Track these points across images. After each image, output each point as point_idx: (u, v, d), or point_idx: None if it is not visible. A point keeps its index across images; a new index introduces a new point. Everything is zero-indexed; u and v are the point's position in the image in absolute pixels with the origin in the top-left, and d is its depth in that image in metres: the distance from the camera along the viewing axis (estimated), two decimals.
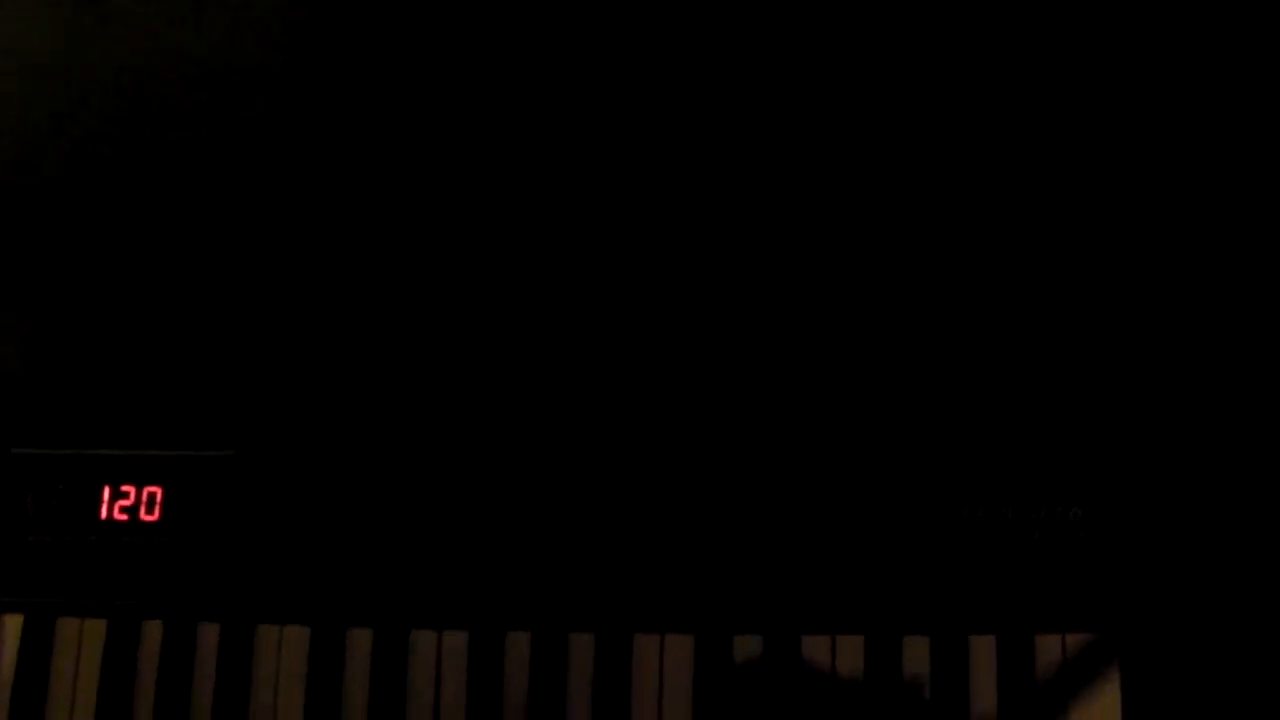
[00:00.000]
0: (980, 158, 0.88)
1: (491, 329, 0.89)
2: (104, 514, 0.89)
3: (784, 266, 0.89)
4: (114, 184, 0.91)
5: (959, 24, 0.87)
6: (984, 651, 0.85)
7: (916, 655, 0.85)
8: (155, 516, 0.88)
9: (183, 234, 0.91)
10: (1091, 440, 0.85)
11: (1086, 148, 0.88)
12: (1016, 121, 0.88)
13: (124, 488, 0.89)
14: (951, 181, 0.88)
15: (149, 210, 0.91)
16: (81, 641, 0.89)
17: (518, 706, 0.86)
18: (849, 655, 0.85)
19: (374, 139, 0.91)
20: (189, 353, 0.90)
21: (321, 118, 0.90)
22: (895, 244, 0.88)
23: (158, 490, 0.89)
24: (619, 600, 0.86)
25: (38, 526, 0.89)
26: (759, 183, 0.89)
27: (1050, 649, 0.85)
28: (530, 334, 0.89)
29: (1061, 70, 0.87)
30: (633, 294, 0.89)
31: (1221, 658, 0.83)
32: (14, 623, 0.90)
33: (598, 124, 0.89)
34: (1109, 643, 0.84)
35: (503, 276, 0.90)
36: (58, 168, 0.90)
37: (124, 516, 0.89)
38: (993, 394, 0.86)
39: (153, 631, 0.89)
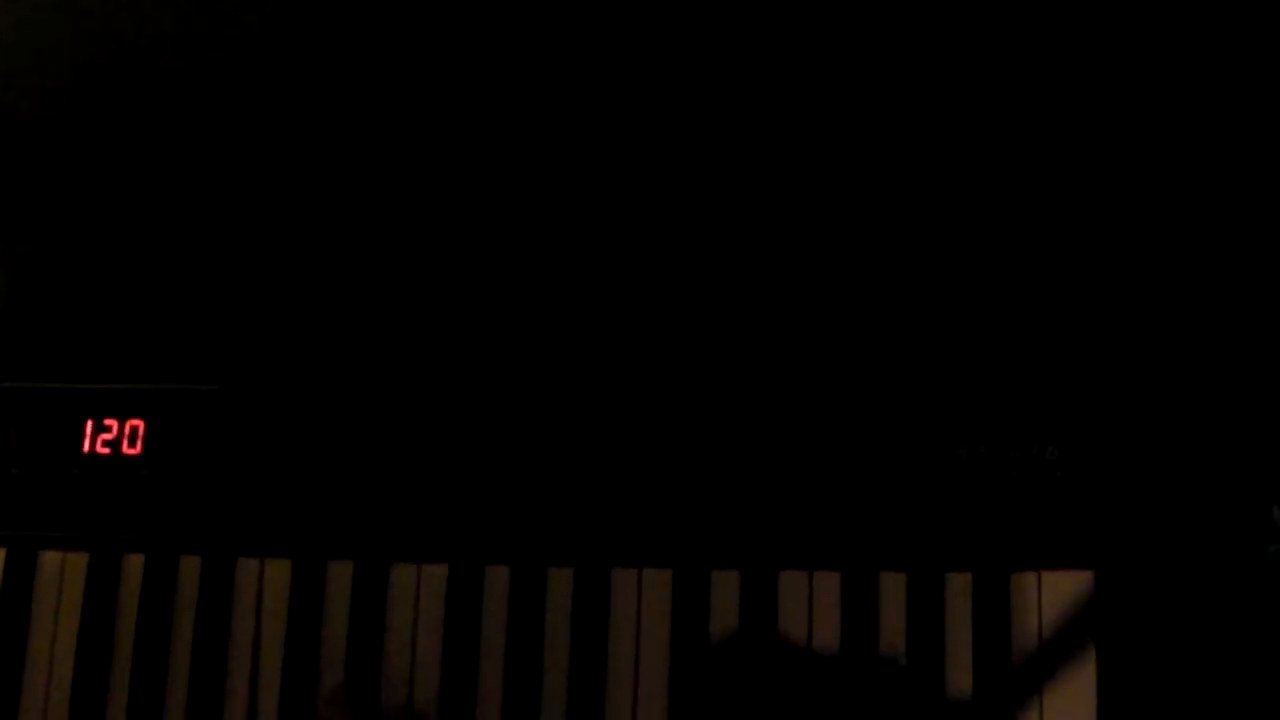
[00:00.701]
0: (955, 113, 0.89)
1: (471, 264, 0.90)
2: (87, 447, 0.89)
3: (763, 209, 0.89)
4: (99, 120, 0.91)
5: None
6: (960, 589, 0.85)
7: (893, 592, 0.85)
8: (138, 450, 0.89)
9: (168, 168, 0.91)
10: (1068, 379, 0.85)
11: (1066, 106, 0.89)
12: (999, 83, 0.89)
13: (107, 421, 0.89)
14: (930, 136, 0.89)
15: (134, 145, 0.91)
16: (64, 574, 0.90)
17: (496, 640, 0.86)
18: (826, 592, 0.85)
19: (357, 83, 0.91)
20: (172, 287, 0.91)
21: (307, 64, 0.91)
22: (872, 190, 0.89)
23: (140, 424, 0.89)
24: (597, 535, 0.86)
25: (21, 459, 0.90)
26: (750, 134, 0.90)
27: (1026, 587, 0.85)
28: (509, 270, 0.89)
29: (1021, 35, 0.88)
30: (613, 226, 0.89)
31: (1198, 596, 0.83)
32: None
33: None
34: (1085, 581, 0.85)
35: (481, 213, 0.90)
36: (41, 104, 0.91)
37: (106, 450, 0.89)
38: (969, 333, 0.87)
39: (134, 564, 0.90)
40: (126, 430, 0.89)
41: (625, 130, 0.89)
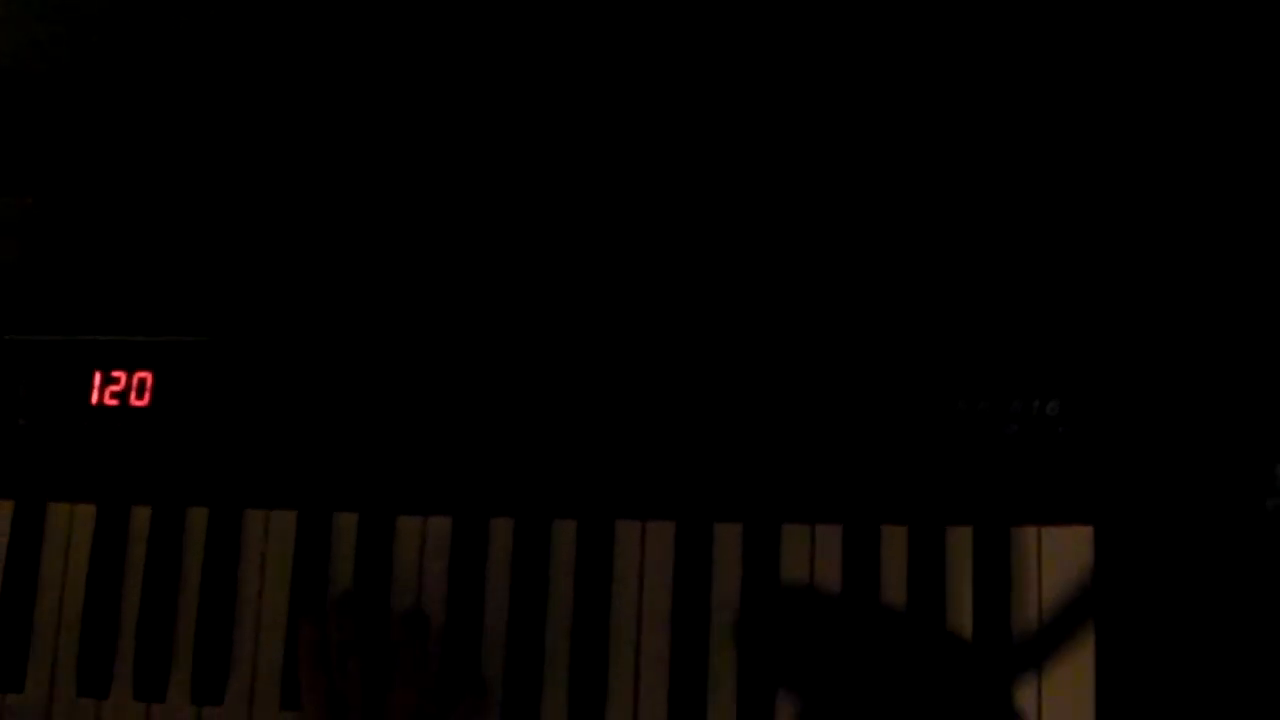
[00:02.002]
0: (952, 75, 0.89)
1: (474, 216, 0.90)
2: (95, 399, 0.90)
3: (760, 162, 0.89)
4: (106, 73, 0.91)
5: None
6: (961, 543, 0.86)
7: (894, 545, 0.86)
8: (145, 402, 0.90)
9: (175, 116, 0.91)
10: (1070, 334, 0.85)
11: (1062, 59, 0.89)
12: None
13: (114, 373, 0.90)
14: (926, 93, 0.89)
15: (141, 98, 0.91)
16: (72, 526, 0.91)
17: (500, 591, 0.87)
18: (828, 545, 0.86)
19: (358, 33, 0.91)
20: (179, 239, 0.91)
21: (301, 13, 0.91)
22: (871, 144, 0.89)
23: (148, 376, 0.90)
24: (601, 488, 0.87)
25: (29, 412, 0.90)
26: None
27: (1026, 541, 0.85)
28: (512, 222, 0.90)
29: None
30: (611, 175, 0.90)
31: (1197, 552, 0.83)
32: (5, 508, 0.92)
33: None
34: (1085, 536, 0.85)
35: (481, 160, 0.90)
36: (50, 56, 0.91)
37: (114, 402, 0.90)
38: (970, 287, 0.87)
39: (141, 516, 0.90)
40: (134, 382, 0.90)
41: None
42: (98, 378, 0.90)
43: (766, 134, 0.90)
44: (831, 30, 0.89)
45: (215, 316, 0.90)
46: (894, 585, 0.85)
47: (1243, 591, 0.83)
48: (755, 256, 0.88)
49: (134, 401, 0.89)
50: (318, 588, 0.88)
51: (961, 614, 0.85)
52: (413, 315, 0.89)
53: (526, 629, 0.86)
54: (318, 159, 0.91)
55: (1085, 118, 0.88)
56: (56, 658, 0.90)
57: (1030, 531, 0.85)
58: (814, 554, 0.86)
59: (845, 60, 0.89)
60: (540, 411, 0.87)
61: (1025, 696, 0.83)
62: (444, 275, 0.90)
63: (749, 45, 0.90)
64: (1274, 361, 0.84)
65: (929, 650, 0.84)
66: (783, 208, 0.89)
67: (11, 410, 0.91)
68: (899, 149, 0.89)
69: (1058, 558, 0.85)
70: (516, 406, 0.87)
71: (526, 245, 0.90)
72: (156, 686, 0.88)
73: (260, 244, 0.91)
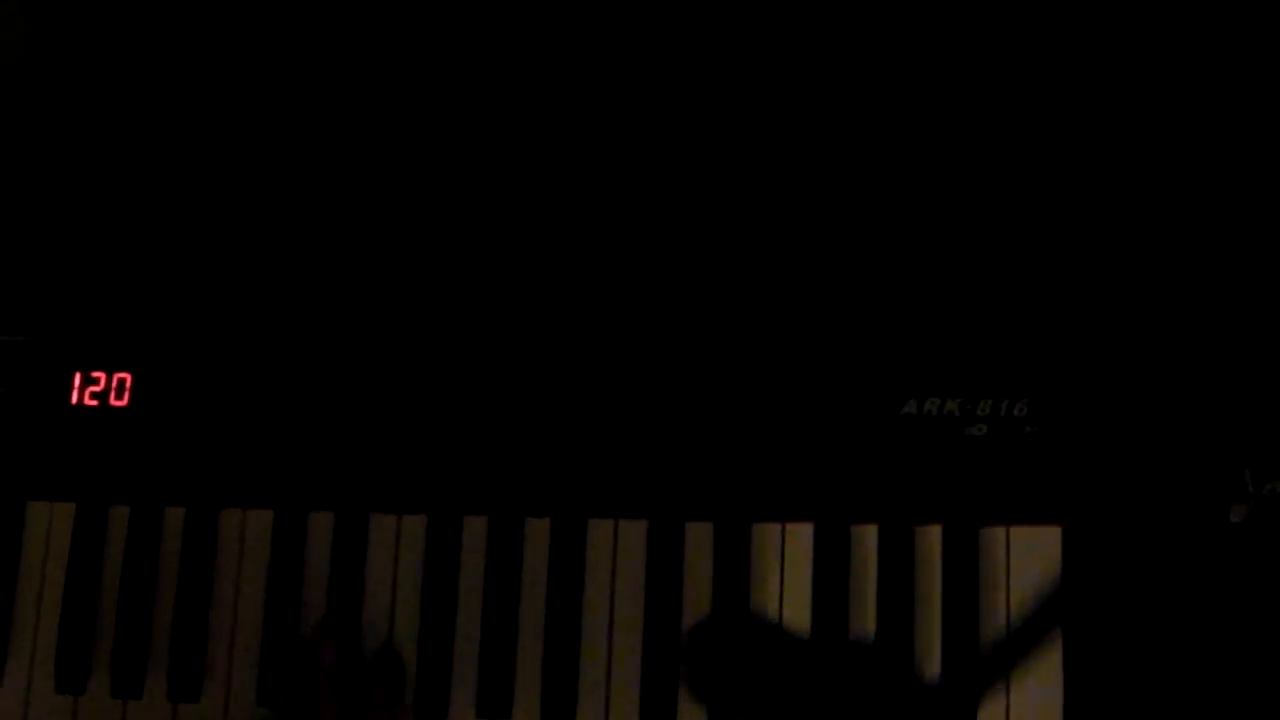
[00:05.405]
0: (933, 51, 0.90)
1: (443, 215, 0.91)
2: (74, 399, 0.91)
3: (733, 164, 0.90)
4: (84, 71, 0.93)
5: None
6: (930, 542, 0.86)
7: (864, 544, 0.86)
8: (124, 402, 0.90)
9: (155, 121, 0.93)
10: (1039, 333, 0.86)
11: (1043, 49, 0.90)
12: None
13: (94, 373, 0.91)
14: (896, 87, 0.90)
15: (117, 97, 0.93)
16: (51, 524, 0.92)
17: (474, 589, 0.88)
18: (798, 543, 0.87)
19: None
20: (157, 241, 0.92)
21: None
22: (842, 144, 0.90)
23: (127, 376, 0.91)
24: (574, 487, 0.88)
25: (8, 411, 0.91)
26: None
27: (995, 541, 0.86)
28: (485, 221, 0.91)
29: None
30: (582, 175, 0.91)
31: (1167, 552, 0.84)
32: None
33: None
34: (1053, 536, 0.86)
35: (448, 154, 0.91)
36: (22, 53, 0.92)
37: (94, 402, 0.91)
38: (939, 288, 0.88)
39: (120, 515, 0.91)
40: (114, 383, 0.91)
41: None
42: (77, 378, 0.91)
43: (738, 136, 0.90)
44: (810, 28, 0.90)
45: (194, 317, 0.91)
46: (864, 584, 0.86)
47: (1212, 593, 0.83)
48: (727, 255, 0.89)
49: (113, 402, 0.90)
50: (293, 587, 0.89)
51: (930, 613, 0.85)
52: (388, 316, 0.90)
53: (499, 625, 0.87)
54: (294, 161, 0.92)
55: (1053, 120, 0.89)
56: (34, 655, 0.90)
57: (999, 531, 0.86)
58: (784, 552, 0.87)
59: (816, 62, 0.90)
60: (514, 410, 0.88)
61: (993, 695, 0.84)
62: (418, 275, 0.91)
63: (722, 42, 0.91)
64: (1245, 363, 0.85)
65: (898, 648, 0.85)
66: (754, 210, 0.90)
67: None
68: (871, 152, 0.90)
69: (1026, 558, 0.85)
70: (491, 405, 0.88)
71: (499, 244, 0.91)
72: (133, 684, 0.89)
73: (239, 245, 0.92)
